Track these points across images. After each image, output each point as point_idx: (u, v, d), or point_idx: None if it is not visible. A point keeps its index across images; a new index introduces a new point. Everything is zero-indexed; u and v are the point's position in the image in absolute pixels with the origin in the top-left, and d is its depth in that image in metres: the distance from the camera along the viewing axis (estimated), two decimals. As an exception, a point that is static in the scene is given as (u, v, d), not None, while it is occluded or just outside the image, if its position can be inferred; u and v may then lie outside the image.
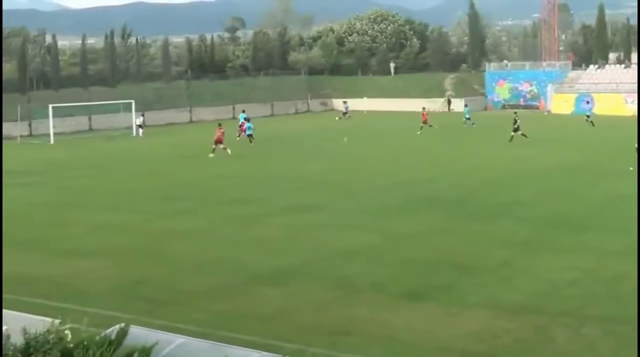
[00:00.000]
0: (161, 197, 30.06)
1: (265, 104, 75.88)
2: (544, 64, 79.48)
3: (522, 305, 16.02)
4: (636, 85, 65.46)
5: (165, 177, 35.64)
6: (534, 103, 76.49)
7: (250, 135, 48.66)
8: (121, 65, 77.80)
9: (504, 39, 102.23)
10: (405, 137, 51.32)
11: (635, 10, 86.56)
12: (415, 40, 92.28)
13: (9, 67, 70.55)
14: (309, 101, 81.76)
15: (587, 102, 67.50)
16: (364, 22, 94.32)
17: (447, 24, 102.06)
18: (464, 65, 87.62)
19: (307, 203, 27.89)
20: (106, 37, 78.56)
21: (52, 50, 74.22)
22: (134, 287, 17.90)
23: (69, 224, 25.36)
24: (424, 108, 57.65)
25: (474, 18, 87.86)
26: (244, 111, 56.24)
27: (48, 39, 78.46)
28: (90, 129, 62.83)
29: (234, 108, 69.95)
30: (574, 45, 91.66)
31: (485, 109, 77.52)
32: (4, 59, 68.24)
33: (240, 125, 51.26)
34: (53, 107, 55.66)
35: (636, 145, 37.19)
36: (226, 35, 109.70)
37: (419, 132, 52.18)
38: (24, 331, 8.07)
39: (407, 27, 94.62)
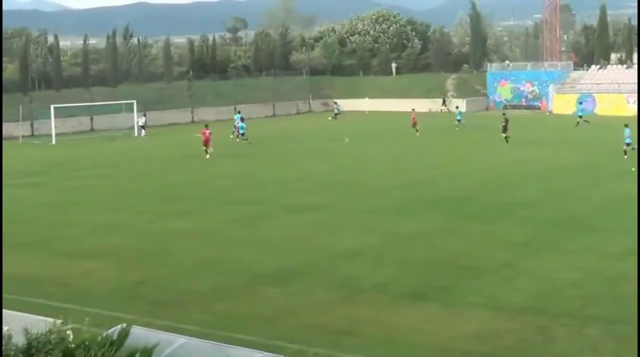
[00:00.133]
0: (163, 198, 30.08)
1: (266, 105, 76.00)
2: (546, 64, 79.42)
3: (523, 305, 16.02)
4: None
5: (166, 178, 35.65)
6: (535, 103, 76.49)
7: (242, 135, 48.83)
8: (123, 66, 77.72)
9: (505, 39, 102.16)
10: (406, 138, 51.25)
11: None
12: (416, 40, 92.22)
13: (11, 68, 70.59)
14: (311, 101, 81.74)
15: (580, 103, 67.30)
16: (365, 22, 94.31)
17: (448, 24, 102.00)
18: (466, 65, 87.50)
19: (308, 203, 27.90)
20: (108, 38, 78.51)
21: (54, 50, 74.13)
22: (135, 288, 17.90)
23: (70, 224, 25.37)
24: (413, 109, 57.12)
25: (476, 18, 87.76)
26: (239, 112, 56.41)
27: (50, 39, 78.35)
28: (92, 130, 62.81)
29: (235, 108, 69.86)
30: (575, 46, 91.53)
31: (487, 109, 77.55)
32: (6, 59, 68.35)
33: (236, 126, 51.39)
34: (55, 108, 55.68)
35: (624, 146, 37.32)
36: (228, 35, 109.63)
37: (418, 133, 52.13)
38: (26, 332, 8.09)
39: (408, 27, 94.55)
